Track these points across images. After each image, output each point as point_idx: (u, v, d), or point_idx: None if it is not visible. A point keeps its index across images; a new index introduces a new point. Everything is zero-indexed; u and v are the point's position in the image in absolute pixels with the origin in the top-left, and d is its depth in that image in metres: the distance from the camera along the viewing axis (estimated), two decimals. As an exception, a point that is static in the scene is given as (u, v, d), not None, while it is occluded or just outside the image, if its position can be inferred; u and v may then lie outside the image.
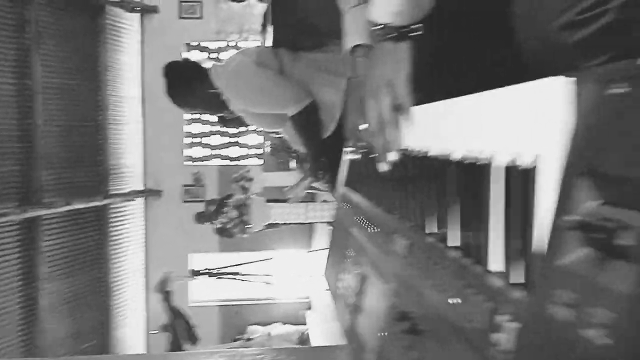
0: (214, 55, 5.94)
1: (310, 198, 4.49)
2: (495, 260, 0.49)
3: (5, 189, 4.69)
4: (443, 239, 0.62)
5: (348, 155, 1.29)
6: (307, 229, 5.67)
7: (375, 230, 0.90)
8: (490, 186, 0.50)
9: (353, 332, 0.93)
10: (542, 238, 0.41)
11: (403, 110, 0.77)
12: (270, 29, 2.15)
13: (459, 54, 0.96)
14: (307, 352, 1.56)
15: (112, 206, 5.81)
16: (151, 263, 6.14)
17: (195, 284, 5.86)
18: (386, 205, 0.87)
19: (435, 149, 0.66)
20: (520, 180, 0.44)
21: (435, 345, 0.59)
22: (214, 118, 2.42)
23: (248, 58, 2.06)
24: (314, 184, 2.29)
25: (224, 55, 5.88)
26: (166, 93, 2.21)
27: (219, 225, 4.33)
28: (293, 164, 2.78)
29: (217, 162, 6.10)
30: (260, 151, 5.86)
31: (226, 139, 6.09)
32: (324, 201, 4.26)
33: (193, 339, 4.62)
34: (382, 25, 0.79)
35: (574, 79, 0.39)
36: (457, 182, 0.58)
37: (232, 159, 6.08)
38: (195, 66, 2.24)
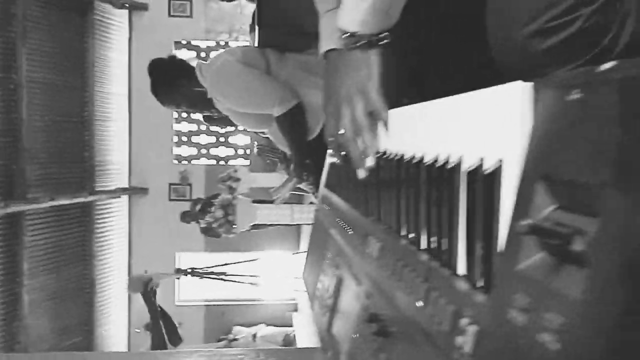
0: (203, 55, 5.93)
1: (297, 200, 4.50)
2: (460, 263, 0.50)
3: (-12, 184, 4.64)
4: (414, 242, 0.62)
5: (328, 158, 1.29)
6: (294, 230, 5.67)
7: (352, 232, 0.90)
8: (456, 190, 0.50)
9: (328, 335, 0.93)
10: (503, 242, 0.42)
11: (379, 116, 0.78)
12: (257, 29, 2.15)
13: (432, 60, 0.97)
14: (287, 354, 1.55)
15: (97, 203, 5.77)
16: (136, 261, 6.11)
17: (181, 284, 5.84)
18: (363, 207, 0.88)
19: (409, 152, 0.66)
20: (484, 185, 0.45)
21: (403, 347, 0.59)
22: (201, 116, 2.41)
23: (234, 57, 2.05)
24: (299, 186, 2.29)
25: (213, 54, 5.87)
26: (151, 90, 2.20)
27: (204, 225, 4.31)
28: (279, 165, 2.77)
29: (205, 161, 6.08)
30: (248, 151, 5.86)
31: (214, 139, 6.08)
32: (311, 203, 4.26)
33: (176, 340, 4.59)
34: (350, 34, 0.79)
35: (531, 84, 0.40)
36: (427, 186, 0.58)
37: (219, 159, 6.07)
38: (180, 64, 2.23)
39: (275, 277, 5.72)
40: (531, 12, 0.57)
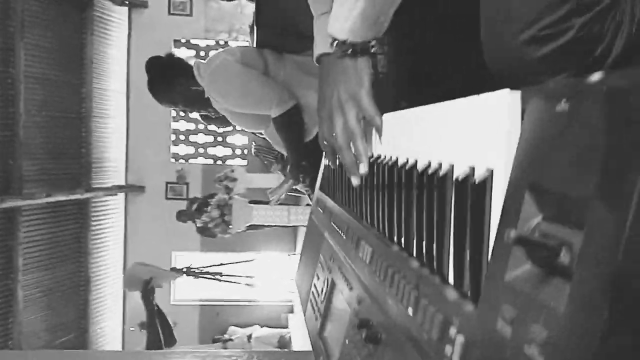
0: (202, 54, 5.93)
1: (294, 201, 4.49)
2: (450, 272, 0.50)
3: (-16, 178, 4.63)
4: (405, 248, 0.62)
5: (323, 160, 1.29)
6: (291, 232, 5.67)
7: (345, 236, 0.90)
8: (447, 198, 0.50)
9: (320, 339, 0.93)
10: (491, 251, 0.42)
11: (372, 122, 0.77)
12: (255, 30, 2.14)
13: (428, 60, 0.97)
14: (280, 357, 1.56)
15: (93, 200, 5.76)
16: (131, 259, 6.10)
17: (177, 283, 5.83)
18: (356, 211, 0.87)
19: (402, 157, 0.66)
20: (473, 194, 0.45)
21: (393, 354, 0.59)
22: (199, 115, 2.41)
23: (232, 57, 2.05)
24: (296, 187, 2.29)
25: (212, 54, 5.87)
26: (148, 88, 2.20)
27: (200, 225, 4.31)
28: (275, 165, 2.77)
29: (202, 160, 6.08)
30: (245, 152, 5.86)
31: (211, 138, 6.07)
32: (308, 205, 4.26)
33: (171, 341, 4.59)
34: (340, 41, 0.79)
35: (520, 93, 0.40)
36: (419, 193, 0.58)
37: (216, 158, 6.07)
38: (178, 62, 2.22)
39: (271, 278, 5.72)
40: (525, 20, 0.57)
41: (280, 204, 4.07)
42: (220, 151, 6.09)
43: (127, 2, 5.90)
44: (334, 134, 0.82)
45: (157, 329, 4.54)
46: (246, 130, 2.33)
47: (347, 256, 0.84)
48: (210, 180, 5.47)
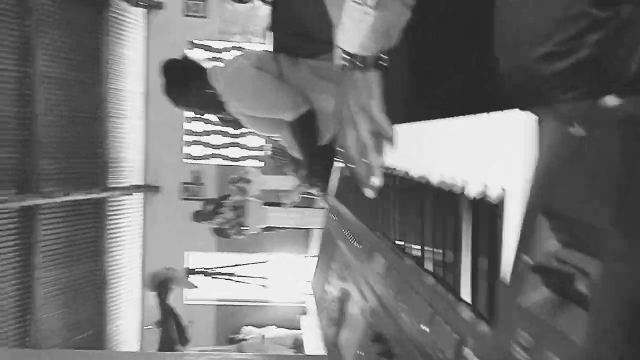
0: (217, 55, 5.95)
1: (308, 203, 4.50)
2: (465, 291, 0.49)
3: (4, 176, 4.70)
4: (419, 262, 0.62)
5: (338, 168, 1.29)
6: (304, 233, 5.67)
7: (359, 246, 0.90)
8: (461, 216, 0.50)
9: (334, 346, 0.93)
10: (507, 274, 0.41)
11: (384, 134, 0.77)
12: (270, 34, 2.15)
13: (440, 78, 0.96)
14: None
15: (110, 199, 5.82)
16: (148, 258, 6.15)
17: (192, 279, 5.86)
18: (369, 222, 0.87)
19: (415, 171, 0.66)
20: (488, 214, 0.44)
21: (407, 369, 0.59)
22: (214, 117, 2.42)
23: (247, 61, 2.06)
24: (309, 191, 2.29)
25: (226, 55, 5.89)
26: (163, 90, 2.21)
27: (215, 226, 4.33)
28: (289, 168, 2.78)
29: (217, 161, 6.11)
30: (260, 153, 5.87)
31: (227, 139, 6.10)
32: (322, 207, 4.27)
33: (184, 339, 4.62)
34: (350, 55, 0.79)
35: (535, 115, 0.40)
36: (433, 208, 0.58)
37: (231, 160, 6.09)
38: (193, 65, 2.24)
39: (285, 279, 5.73)
40: (540, 35, 0.56)
41: (294, 206, 4.09)
42: (235, 152, 6.11)
43: (143, 4, 5.94)
44: (347, 146, 0.82)
45: (171, 328, 4.57)
46: (260, 134, 2.34)
47: (361, 267, 0.84)
48: (225, 181, 5.49)
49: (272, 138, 2.52)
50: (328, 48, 2.09)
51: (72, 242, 5.42)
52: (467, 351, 0.45)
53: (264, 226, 4.40)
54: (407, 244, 0.67)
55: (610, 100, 0.33)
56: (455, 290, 0.51)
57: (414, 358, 0.56)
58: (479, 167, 0.48)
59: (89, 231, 5.64)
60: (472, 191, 0.48)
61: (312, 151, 2.06)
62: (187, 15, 5.95)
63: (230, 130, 5.77)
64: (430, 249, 0.58)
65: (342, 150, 0.89)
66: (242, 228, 4.24)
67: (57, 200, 5.08)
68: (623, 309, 0.30)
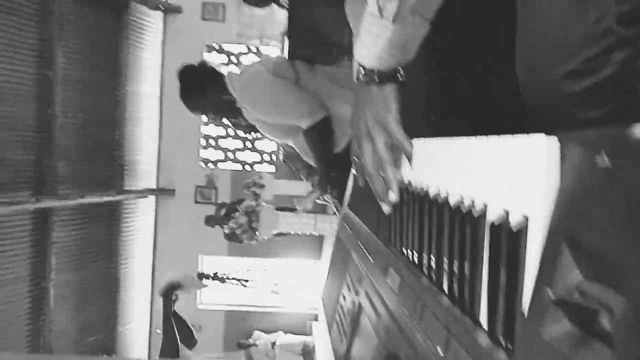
0: (233, 59, 5.98)
1: (321, 209, 4.49)
2: (482, 316, 0.48)
3: (21, 177, 4.75)
4: (435, 283, 0.61)
5: (352, 177, 1.28)
6: (317, 239, 5.67)
7: (373, 260, 0.89)
8: (480, 239, 0.49)
9: (345, 360, 0.92)
10: (527, 301, 0.40)
11: (402, 149, 0.76)
12: (287, 41, 2.15)
13: (458, 92, 0.95)
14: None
15: (124, 202, 5.86)
16: (160, 261, 6.18)
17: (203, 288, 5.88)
18: (384, 236, 0.86)
19: (433, 188, 0.65)
20: (509, 240, 0.43)
21: (420, 390, 0.58)
22: (228, 121, 2.42)
23: (264, 68, 2.06)
24: (323, 198, 2.28)
25: (243, 59, 5.92)
26: (180, 96, 2.23)
27: (227, 231, 4.34)
28: (302, 174, 2.78)
29: (231, 165, 6.13)
30: (274, 158, 5.89)
31: (241, 143, 6.12)
32: (335, 213, 4.26)
33: (192, 343, 4.61)
34: (367, 68, 0.79)
35: (560, 141, 0.38)
36: (451, 228, 0.57)
37: (245, 164, 6.11)
38: (210, 71, 2.24)
39: (296, 285, 5.73)
40: (564, 52, 0.55)
41: (307, 212, 4.08)
42: (249, 157, 6.13)
43: (161, 7, 5.99)
44: (363, 160, 0.81)
45: (174, 333, 4.56)
46: (275, 140, 2.34)
47: (375, 281, 0.83)
48: (238, 185, 5.51)
49: (286, 144, 2.51)
50: (345, 55, 2.10)
51: (85, 245, 5.47)
52: (484, 379, 0.43)
53: (276, 232, 4.40)
54: (422, 262, 0.66)
55: (638, 131, 0.32)
56: (472, 314, 0.50)
57: (428, 381, 0.55)
58: (500, 191, 0.47)
59: (103, 234, 5.68)
60: (492, 215, 0.47)
61: (327, 158, 2.06)
62: (205, 19, 6.00)
63: (244, 134, 5.79)
64: (447, 270, 0.57)
65: (357, 161, 0.88)
66: (254, 233, 4.25)
67: (72, 202, 5.13)
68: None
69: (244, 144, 6.11)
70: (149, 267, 6.23)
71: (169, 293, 4.38)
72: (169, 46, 6.06)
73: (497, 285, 0.45)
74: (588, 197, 0.35)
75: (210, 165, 6.15)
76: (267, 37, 5.93)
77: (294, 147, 2.26)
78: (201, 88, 2.21)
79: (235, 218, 4.22)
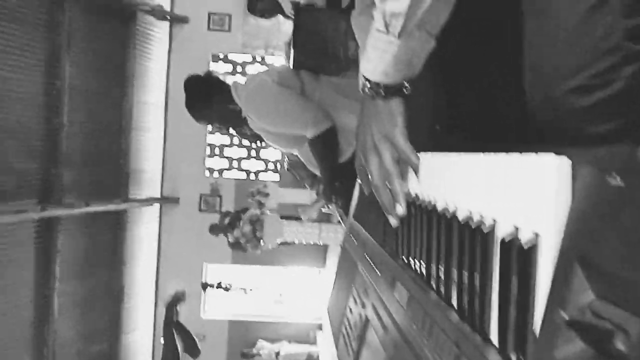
0: (239, 68, 6.01)
1: (325, 218, 4.49)
2: (493, 333, 0.48)
3: (26, 186, 4.77)
4: (444, 298, 0.61)
5: (357, 188, 1.28)
6: (321, 248, 5.66)
7: (380, 273, 0.88)
8: (490, 255, 0.48)
9: (351, 374, 0.92)
10: (539, 319, 0.40)
11: (408, 162, 0.76)
12: (292, 51, 2.16)
13: (465, 106, 0.95)
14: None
15: (129, 210, 5.87)
16: (164, 270, 6.18)
17: (207, 297, 5.87)
18: (391, 249, 0.86)
19: (441, 202, 0.65)
20: (519, 257, 0.43)
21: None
22: (233, 130, 2.43)
23: (270, 78, 2.07)
24: (328, 207, 2.28)
25: (249, 69, 5.95)
26: (186, 106, 2.24)
27: (231, 239, 4.34)
28: (306, 183, 2.78)
29: (235, 174, 6.14)
30: (278, 166, 5.89)
31: (245, 152, 6.13)
32: (339, 222, 4.25)
33: (195, 352, 4.61)
34: (373, 82, 0.79)
35: (571, 159, 0.38)
36: (460, 244, 0.56)
37: (250, 172, 6.12)
38: (215, 81, 2.26)
39: (300, 294, 5.71)
40: (571, 69, 0.55)
41: (312, 221, 4.07)
42: (253, 165, 6.14)
43: (168, 17, 6.03)
44: (370, 174, 0.81)
45: (174, 343, 4.54)
46: (280, 149, 2.34)
47: (382, 295, 0.83)
48: (242, 194, 5.51)
49: (291, 153, 2.52)
50: (349, 66, 2.10)
51: (90, 253, 5.47)
52: (494, 398, 0.43)
53: (280, 241, 4.39)
54: (431, 276, 0.66)
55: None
56: (482, 331, 0.50)
57: (437, 398, 0.54)
58: (509, 208, 0.47)
59: (108, 242, 5.68)
60: (502, 231, 0.47)
61: (332, 168, 2.06)
62: (212, 29, 6.03)
63: (250, 144, 5.80)
64: (457, 285, 0.57)
65: (362, 170, 0.88)
66: (258, 242, 4.24)
67: (77, 211, 5.14)
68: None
69: (249, 152, 6.12)
70: (153, 275, 6.22)
71: (172, 305, 4.37)
72: (175, 55, 6.09)
73: (508, 302, 0.45)
74: (600, 216, 0.35)
75: (215, 173, 6.16)
76: (273, 47, 5.95)
77: (299, 156, 2.27)
78: (207, 98, 2.23)
79: (239, 227, 4.22)
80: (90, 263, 5.47)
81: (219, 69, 5.97)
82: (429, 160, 0.74)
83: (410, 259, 0.75)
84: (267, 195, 4.43)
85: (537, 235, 0.41)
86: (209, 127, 5.92)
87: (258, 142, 2.46)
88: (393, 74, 0.77)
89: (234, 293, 5.57)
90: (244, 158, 6.16)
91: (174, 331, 4.52)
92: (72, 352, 5.24)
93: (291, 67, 2.19)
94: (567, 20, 0.54)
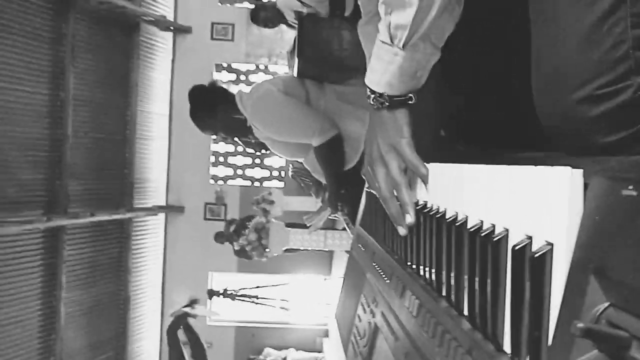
0: (243, 78, 6.04)
1: (330, 225, 4.49)
2: (506, 342, 0.48)
3: (32, 196, 4.79)
4: (455, 306, 0.61)
5: (365, 196, 1.28)
6: (326, 255, 5.65)
7: (389, 281, 0.88)
8: (502, 264, 0.49)
9: (362, 382, 0.92)
10: (552, 326, 0.40)
11: (416, 172, 0.76)
12: (297, 60, 2.17)
13: (473, 115, 0.95)
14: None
15: (134, 220, 5.88)
16: (170, 278, 6.18)
17: (213, 305, 5.87)
18: (400, 257, 0.86)
19: (450, 211, 0.65)
20: (533, 265, 0.43)
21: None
22: (238, 141, 2.43)
23: (275, 87, 2.07)
24: (334, 214, 2.28)
25: (253, 78, 5.97)
26: (190, 115, 2.24)
27: (237, 247, 4.34)
28: (313, 189, 2.78)
29: (240, 181, 6.15)
30: (282, 174, 5.90)
31: (249, 160, 6.15)
32: (344, 229, 4.25)
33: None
34: (378, 94, 0.79)
35: (584, 171, 0.39)
36: (470, 252, 0.57)
37: (254, 180, 6.13)
38: (220, 91, 2.26)
39: (306, 301, 5.70)
40: (581, 78, 0.55)
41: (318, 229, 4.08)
42: (257, 173, 6.15)
43: (172, 28, 6.07)
44: (377, 185, 0.81)
45: (179, 349, 4.54)
46: (286, 158, 2.35)
47: (392, 303, 0.83)
48: (247, 202, 5.52)
49: (296, 161, 2.52)
50: (353, 74, 2.10)
51: (96, 263, 5.48)
52: (509, 407, 0.43)
53: (286, 248, 4.39)
54: (441, 284, 0.66)
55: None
56: (495, 339, 0.50)
57: (451, 406, 0.54)
58: (522, 218, 0.47)
59: (113, 251, 5.70)
60: (513, 240, 0.47)
61: (338, 175, 2.06)
62: (215, 39, 6.07)
63: (255, 152, 5.82)
64: (468, 294, 0.57)
65: (370, 174, 0.88)
66: (264, 250, 4.24)
67: (83, 221, 5.16)
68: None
69: (253, 160, 6.14)
70: (158, 284, 6.23)
71: (177, 325, 4.36)
72: (178, 65, 6.13)
73: (520, 310, 0.45)
74: (614, 225, 0.35)
75: (220, 182, 6.18)
76: (276, 56, 5.98)
77: (304, 164, 2.27)
78: (212, 107, 2.23)
79: (244, 235, 4.23)
80: (96, 272, 5.48)
81: (223, 78, 6.00)
82: (438, 171, 0.74)
83: (420, 267, 0.75)
84: (272, 202, 4.43)
85: (550, 244, 0.42)
86: (214, 136, 5.96)
87: (263, 150, 2.47)
88: (398, 85, 0.77)
89: (240, 301, 5.57)
90: (248, 166, 6.17)
91: (183, 332, 4.52)
92: (79, 360, 5.24)
93: (295, 75, 2.19)
94: (575, 30, 0.55)
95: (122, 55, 5.65)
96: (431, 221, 0.71)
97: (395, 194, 0.79)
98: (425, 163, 0.76)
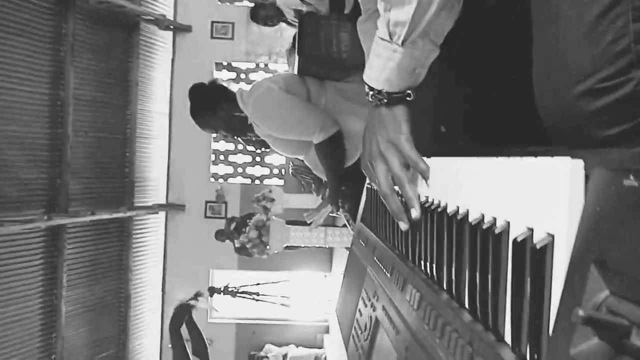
0: (243, 76, 6.04)
1: (331, 221, 4.50)
2: (506, 332, 0.48)
3: (33, 195, 4.80)
4: (456, 299, 0.61)
5: (365, 192, 1.28)
6: (327, 252, 5.67)
7: (390, 275, 0.89)
8: (503, 256, 0.49)
9: (363, 376, 0.92)
10: (553, 317, 0.41)
11: (416, 168, 0.76)
12: (297, 58, 2.17)
13: (473, 110, 0.96)
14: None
15: (135, 218, 5.89)
16: (171, 276, 6.19)
17: (214, 302, 5.88)
18: (401, 251, 0.87)
19: (451, 205, 0.66)
20: (534, 257, 0.44)
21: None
22: (238, 139, 2.44)
23: (276, 85, 2.08)
24: (334, 211, 2.29)
25: (253, 76, 5.97)
26: (191, 114, 2.25)
27: (238, 245, 4.35)
28: (313, 187, 2.78)
29: (240, 180, 6.16)
30: (282, 171, 5.90)
31: (250, 158, 6.15)
32: (345, 226, 4.25)
33: (204, 356, 4.61)
34: (376, 90, 0.79)
35: (585, 162, 0.39)
36: (471, 245, 0.57)
37: (254, 178, 6.14)
38: (221, 89, 2.27)
39: (306, 298, 5.71)
40: (581, 72, 0.55)
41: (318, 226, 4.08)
42: (258, 171, 6.16)
43: (171, 27, 6.07)
44: (376, 182, 0.81)
45: (183, 351, 4.54)
46: (286, 155, 2.35)
47: (393, 297, 0.83)
48: (248, 200, 5.52)
49: (296, 158, 2.53)
50: (354, 72, 2.10)
51: (97, 261, 5.50)
52: (510, 396, 0.44)
53: (286, 245, 4.40)
54: (442, 277, 0.66)
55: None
56: (496, 330, 0.50)
57: (452, 398, 0.55)
58: (522, 210, 0.47)
59: (114, 250, 5.71)
60: (514, 232, 0.48)
61: (338, 172, 2.07)
62: (215, 38, 6.07)
63: (256, 150, 5.82)
64: (468, 286, 0.57)
65: (370, 168, 0.88)
66: (265, 247, 4.25)
67: (83, 219, 5.17)
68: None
69: (253, 158, 6.14)
70: (159, 282, 6.24)
71: (180, 317, 4.36)
72: (178, 64, 6.13)
73: (521, 301, 0.45)
74: (615, 216, 0.35)
75: (220, 180, 6.18)
76: (276, 54, 5.98)
77: (305, 161, 2.27)
78: (212, 105, 2.23)
79: (245, 232, 4.23)
80: (97, 270, 5.50)
81: (223, 76, 6.00)
82: (438, 165, 0.74)
83: (421, 260, 0.76)
84: (272, 200, 4.44)
85: (551, 235, 0.42)
86: (214, 135, 5.96)
87: (263, 148, 2.47)
88: (396, 82, 0.77)
89: (241, 298, 5.58)
90: (248, 164, 6.18)
91: (186, 328, 4.53)
92: (80, 358, 5.25)
93: (296, 73, 2.20)
94: (577, 24, 0.55)
95: (122, 55, 5.66)
96: (432, 216, 0.71)
97: (398, 189, 0.79)
98: (425, 158, 0.76)
